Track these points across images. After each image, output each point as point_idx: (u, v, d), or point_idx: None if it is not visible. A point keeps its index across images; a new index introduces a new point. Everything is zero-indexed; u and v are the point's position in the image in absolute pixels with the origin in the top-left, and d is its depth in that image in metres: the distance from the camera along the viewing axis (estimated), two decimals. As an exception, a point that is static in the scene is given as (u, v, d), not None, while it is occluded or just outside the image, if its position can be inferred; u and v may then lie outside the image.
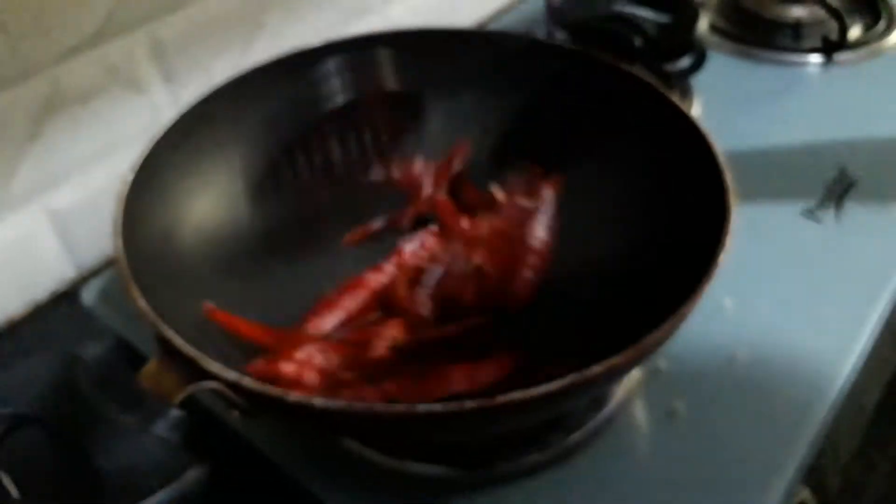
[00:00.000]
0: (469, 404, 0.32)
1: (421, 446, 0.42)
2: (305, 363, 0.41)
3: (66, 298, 0.58)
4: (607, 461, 0.43)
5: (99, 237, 0.60)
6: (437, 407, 0.32)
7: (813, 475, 0.47)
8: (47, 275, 0.58)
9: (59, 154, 0.56)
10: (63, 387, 0.33)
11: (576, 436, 0.44)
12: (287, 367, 0.40)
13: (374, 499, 0.42)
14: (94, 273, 0.59)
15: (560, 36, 0.54)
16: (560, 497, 0.42)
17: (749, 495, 0.41)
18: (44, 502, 0.31)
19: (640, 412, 0.46)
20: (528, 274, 0.47)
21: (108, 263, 0.59)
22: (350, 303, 0.46)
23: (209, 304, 0.43)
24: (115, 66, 0.56)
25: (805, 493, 0.46)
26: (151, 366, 0.34)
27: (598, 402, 0.45)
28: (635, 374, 0.47)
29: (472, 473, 0.42)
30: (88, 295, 0.55)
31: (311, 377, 0.40)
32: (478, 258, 0.49)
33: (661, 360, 0.48)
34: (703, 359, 0.48)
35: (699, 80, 0.65)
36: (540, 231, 0.48)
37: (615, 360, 0.33)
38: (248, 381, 0.32)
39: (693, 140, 0.43)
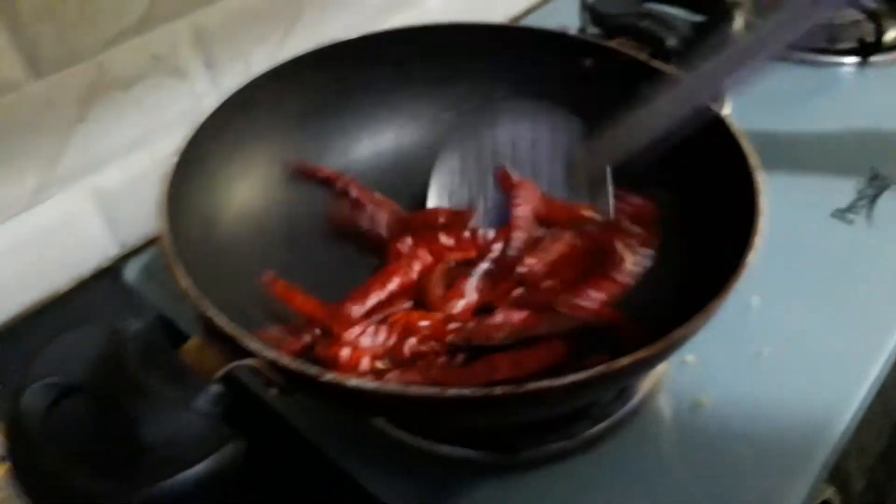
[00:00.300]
0: (498, 390, 0.33)
1: (452, 429, 0.43)
2: (355, 346, 0.42)
3: (108, 275, 0.60)
4: (632, 451, 0.44)
5: (141, 217, 0.62)
6: (467, 392, 0.33)
7: (838, 474, 0.47)
8: (91, 252, 0.60)
9: (104, 137, 0.58)
10: (108, 359, 0.35)
11: (602, 425, 0.45)
12: (344, 353, 0.41)
13: (403, 477, 0.43)
14: (135, 251, 0.61)
15: (593, 33, 0.55)
16: (584, 484, 0.43)
17: (773, 491, 0.42)
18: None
19: (665, 404, 0.46)
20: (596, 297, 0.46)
21: (150, 242, 0.61)
22: (385, 292, 0.46)
23: (269, 274, 0.45)
24: (158, 53, 0.58)
25: (830, 492, 0.46)
26: (193, 342, 0.35)
27: (625, 392, 0.46)
28: (662, 367, 0.48)
29: (500, 457, 0.43)
30: (131, 272, 0.57)
31: (364, 362, 0.41)
32: (528, 266, 0.48)
33: (688, 353, 0.48)
34: (729, 354, 0.48)
35: (732, 80, 0.65)
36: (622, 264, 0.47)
37: (642, 354, 0.33)
38: (285, 360, 0.34)
39: (725, 140, 0.43)
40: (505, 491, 0.43)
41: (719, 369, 0.48)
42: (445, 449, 0.44)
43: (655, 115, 0.45)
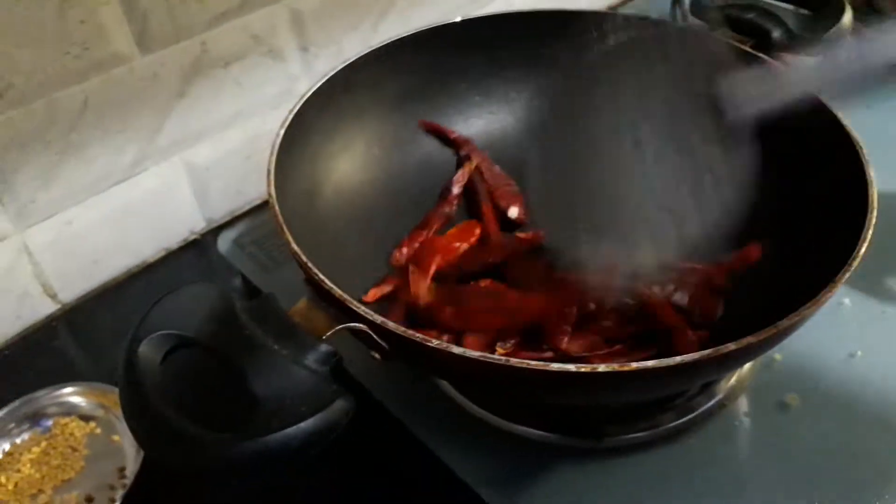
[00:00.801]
0: (602, 368, 0.33)
1: (538, 409, 0.43)
2: None
3: (194, 248, 0.62)
4: (714, 446, 0.44)
5: (228, 194, 0.64)
6: (571, 367, 0.33)
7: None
8: (181, 225, 0.63)
9: (202, 113, 0.60)
10: (221, 315, 0.36)
11: (686, 418, 0.44)
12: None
13: (484, 456, 0.43)
14: (222, 226, 0.63)
15: (692, 23, 0.54)
16: (665, 474, 0.43)
17: (861, 500, 0.41)
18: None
19: (751, 401, 0.46)
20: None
21: (236, 218, 0.63)
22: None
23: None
24: (258, 34, 0.60)
25: (919, 503, 0.45)
26: (301, 304, 0.36)
27: (711, 388, 0.46)
28: (748, 364, 0.47)
29: (584, 442, 0.44)
30: (223, 244, 0.58)
31: None
32: None
33: (776, 352, 0.47)
34: (819, 354, 0.47)
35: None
36: None
37: (750, 340, 0.33)
38: (392, 325, 0.34)
39: (835, 134, 0.43)
40: (585, 476, 0.43)
41: (809, 369, 0.47)
42: (528, 431, 0.44)
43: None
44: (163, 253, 0.62)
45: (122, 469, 0.47)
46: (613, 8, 0.88)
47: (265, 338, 0.34)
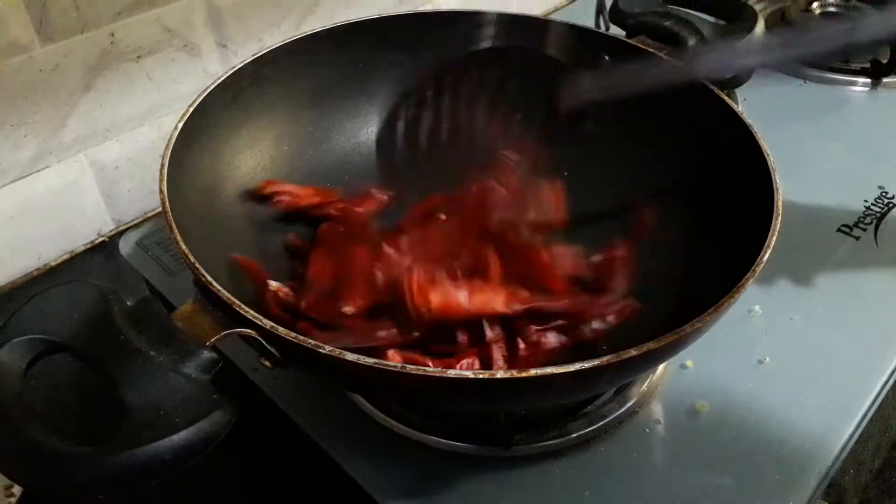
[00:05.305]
0: (500, 374, 0.32)
1: (444, 419, 0.42)
2: None
3: (102, 251, 0.59)
4: (625, 453, 0.43)
5: (140, 194, 0.61)
6: (468, 374, 0.32)
7: (833, 491, 0.46)
8: (86, 226, 0.59)
9: (110, 109, 0.57)
10: (95, 317, 0.33)
11: (597, 425, 0.44)
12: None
13: (390, 466, 0.42)
14: (132, 228, 0.60)
15: (613, 33, 0.54)
16: (575, 482, 0.42)
17: (768, 504, 0.41)
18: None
19: (663, 408, 0.45)
20: None
21: (146, 220, 0.60)
22: None
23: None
24: (172, 27, 0.57)
25: (824, 507, 0.45)
26: (187, 307, 0.34)
27: (622, 394, 0.45)
28: (660, 370, 0.47)
29: (491, 451, 0.42)
30: (125, 245, 0.55)
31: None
32: None
33: (687, 358, 0.47)
34: (729, 361, 0.47)
35: (743, 92, 0.64)
36: None
37: (651, 346, 0.32)
38: (282, 330, 0.32)
39: (742, 139, 0.43)
40: (493, 485, 0.41)
41: (719, 376, 0.47)
42: (436, 440, 0.43)
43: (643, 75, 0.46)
44: (66, 255, 0.59)
45: (8, 487, 0.44)
46: (545, 14, 0.88)
47: (142, 343, 0.32)
